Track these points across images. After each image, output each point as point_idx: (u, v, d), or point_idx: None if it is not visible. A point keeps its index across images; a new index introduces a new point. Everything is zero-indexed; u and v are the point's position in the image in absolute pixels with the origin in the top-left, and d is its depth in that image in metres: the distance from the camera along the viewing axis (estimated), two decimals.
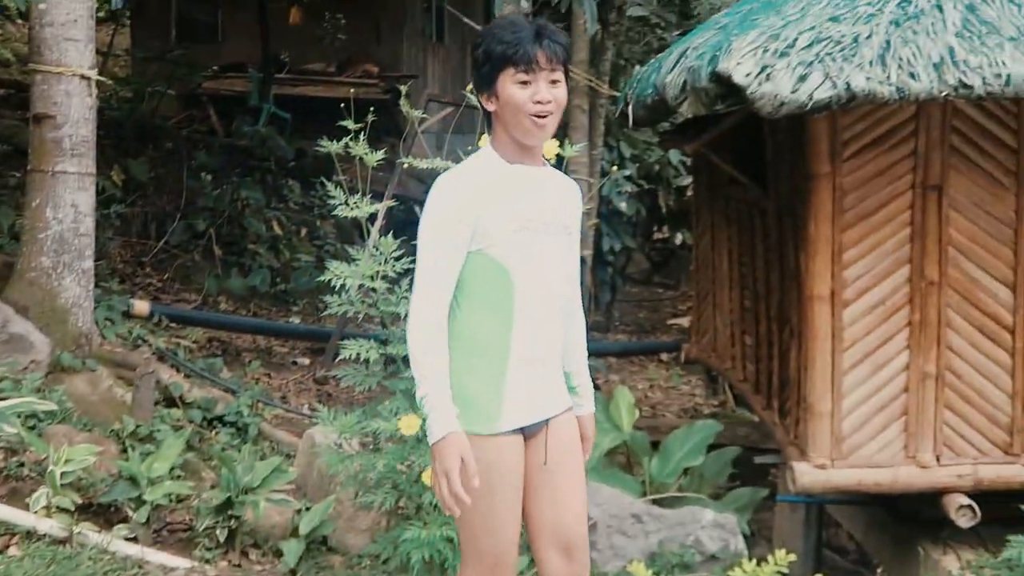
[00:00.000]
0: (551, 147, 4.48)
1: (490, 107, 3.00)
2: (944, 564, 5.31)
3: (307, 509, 5.01)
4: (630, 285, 14.12)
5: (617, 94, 8.07)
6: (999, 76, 4.73)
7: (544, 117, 2.92)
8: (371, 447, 4.54)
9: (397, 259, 4.35)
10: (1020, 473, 5.40)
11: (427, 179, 4.82)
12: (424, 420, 2.97)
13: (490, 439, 2.97)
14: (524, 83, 2.90)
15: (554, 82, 2.92)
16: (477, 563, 3.08)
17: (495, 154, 3.03)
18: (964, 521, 5.30)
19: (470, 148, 4.42)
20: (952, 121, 5.32)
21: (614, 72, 9.42)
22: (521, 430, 3.03)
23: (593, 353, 10.31)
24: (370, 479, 4.38)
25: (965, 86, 4.73)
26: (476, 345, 3.01)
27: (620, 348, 11.59)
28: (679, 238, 13.32)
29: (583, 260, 8.51)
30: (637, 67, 7.87)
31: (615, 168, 10.90)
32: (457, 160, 4.27)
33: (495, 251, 2.94)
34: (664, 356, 11.30)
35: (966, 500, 5.30)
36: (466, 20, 7.95)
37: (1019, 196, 5.38)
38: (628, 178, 11.37)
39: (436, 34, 14.36)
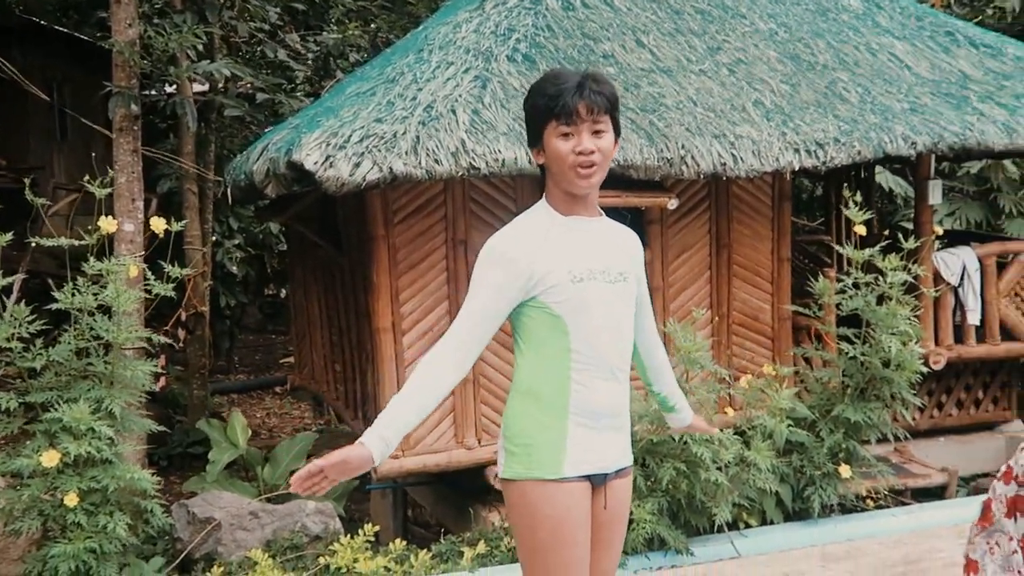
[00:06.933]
0: (158, 225, 4.57)
1: (539, 160, 2.55)
2: (490, 519, 5.77)
3: None
4: (248, 334, 13.98)
5: (221, 179, 8.11)
6: (497, 160, 5.18)
7: (588, 167, 2.46)
8: (17, 485, 4.37)
9: (30, 323, 4.26)
10: None
11: (61, 256, 4.68)
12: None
13: (559, 484, 2.50)
14: (566, 135, 2.44)
15: (597, 132, 2.46)
16: None
17: (549, 207, 2.57)
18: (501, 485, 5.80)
19: (90, 227, 4.42)
20: (470, 193, 5.80)
21: (219, 160, 9.38)
22: (588, 478, 2.55)
23: (217, 391, 10.25)
24: (17, 511, 4.22)
25: (474, 168, 5.14)
26: (536, 394, 2.56)
27: (240, 386, 11.48)
28: (283, 293, 13.40)
29: (201, 316, 8.44)
30: (237, 156, 7.95)
31: (225, 239, 10.87)
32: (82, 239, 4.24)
33: (548, 299, 2.48)
34: (278, 389, 11.30)
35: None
36: (85, 121, 7.69)
37: None
38: (238, 246, 11.33)
39: (61, 132, 13.56)
